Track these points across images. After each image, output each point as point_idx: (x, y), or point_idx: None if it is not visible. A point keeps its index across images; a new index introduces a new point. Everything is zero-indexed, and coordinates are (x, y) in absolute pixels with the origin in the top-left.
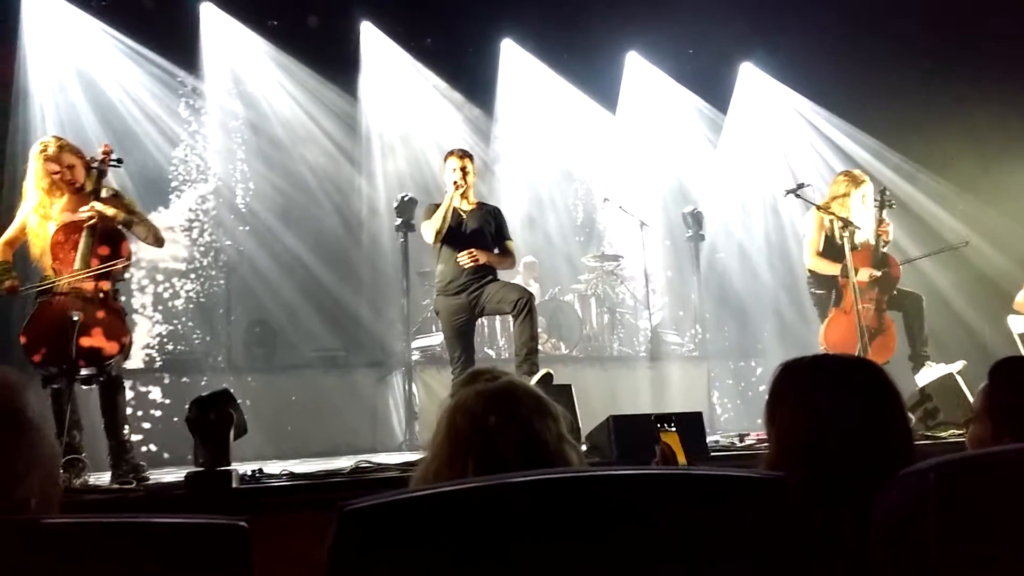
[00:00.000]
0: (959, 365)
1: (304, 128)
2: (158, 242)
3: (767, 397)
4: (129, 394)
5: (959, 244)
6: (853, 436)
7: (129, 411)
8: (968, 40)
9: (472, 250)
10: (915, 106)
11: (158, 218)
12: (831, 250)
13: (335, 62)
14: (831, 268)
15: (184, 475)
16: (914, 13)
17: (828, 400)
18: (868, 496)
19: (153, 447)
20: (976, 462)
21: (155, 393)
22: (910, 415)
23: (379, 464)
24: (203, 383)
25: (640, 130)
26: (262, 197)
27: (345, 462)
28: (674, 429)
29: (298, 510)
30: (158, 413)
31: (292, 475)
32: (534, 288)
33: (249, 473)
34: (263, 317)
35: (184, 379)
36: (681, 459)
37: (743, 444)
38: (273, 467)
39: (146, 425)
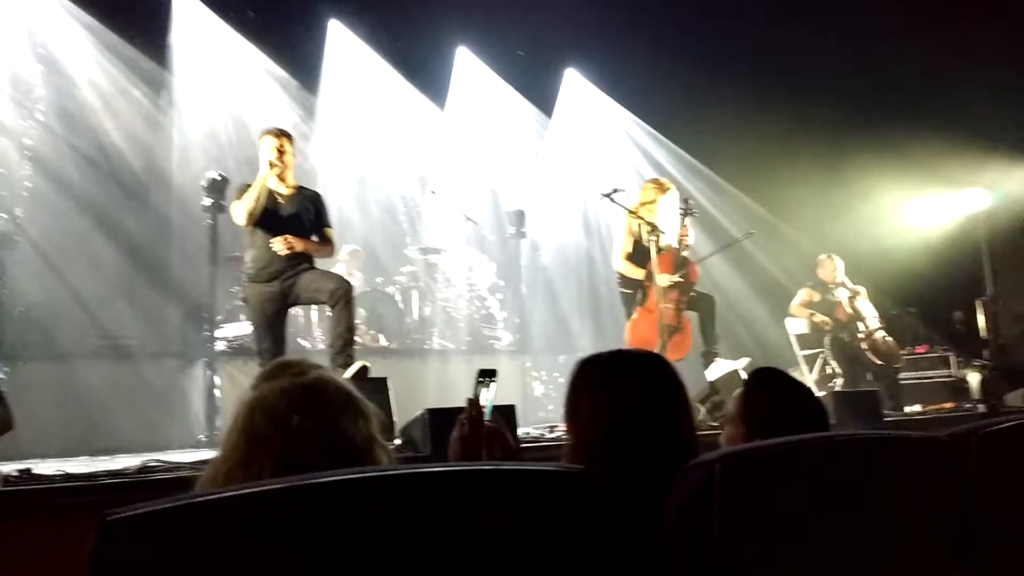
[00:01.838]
0: (744, 362)
1: (109, 97)
2: None
3: (566, 392)
4: None
5: (745, 236)
6: (646, 429)
7: None
8: (762, 55)
9: (287, 236)
10: (717, 119)
11: None
12: (638, 253)
13: (146, 30)
14: (636, 272)
15: None
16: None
17: (621, 394)
18: (662, 487)
19: None
20: (760, 453)
21: None
22: (700, 407)
23: (171, 463)
24: None
25: (468, 126)
26: (51, 168)
27: (136, 460)
28: (493, 381)
29: (72, 515)
30: None
31: (68, 476)
32: (357, 278)
33: (15, 474)
34: (43, 299)
35: None
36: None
37: (552, 436)
38: (49, 467)
39: None
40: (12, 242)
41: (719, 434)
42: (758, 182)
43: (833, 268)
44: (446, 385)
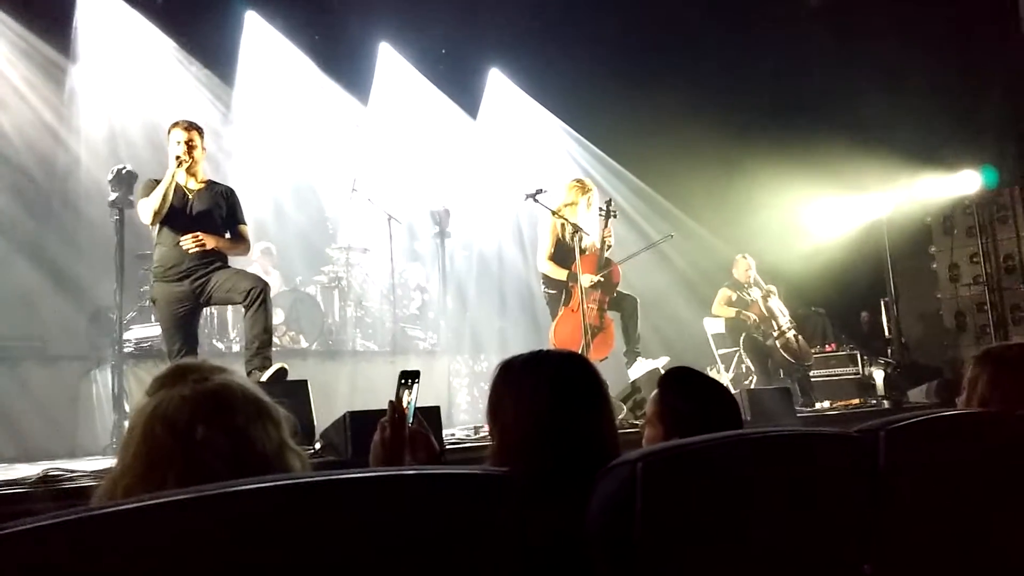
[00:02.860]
0: (663, 360)
1: (6, 87)
2: None
3: (489, 393)
4: None
5: (665, 239)
6: (567, 429)
7: None
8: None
9: (198, 233)
10: (634, 121)
11: None
12: (562, 253)
13: (47, 13)
14: (559, 273)
15: None
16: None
17: (542, 394)
18: (583, 485)
19: None
20: (681, 452)
21: None
22: (622, 405)
23: (75, 471)
24: None
25: (391, 123)
26: None
27: (36, 469)
28: (416, 383)
29: None
30: None
31: None
32: (272, 277)
33: None
34: None
35: None
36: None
37: (477, 436)
38: None
39: None
40: None
41: (641, 433)
42: (674, 184)
43: (747, 267)
44: (368, 387)
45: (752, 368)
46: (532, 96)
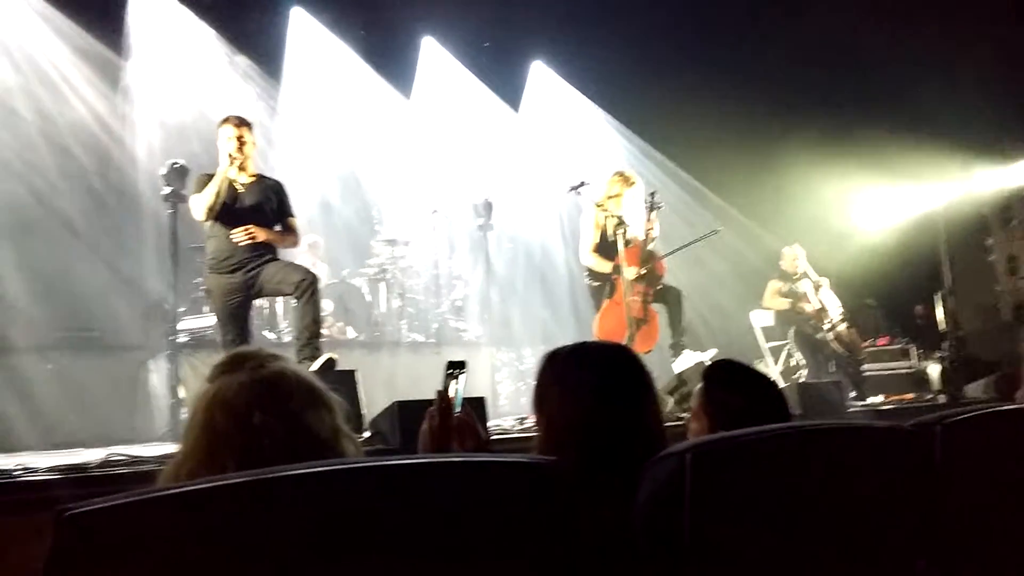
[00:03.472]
0: (711, 353)
1: (62, 82)
2: None
3: (534, 385)
4: None
5: (710, 233)
6: (612, 420)
7: None
8: (731, 49)
9: (249, 226)
10: (689, 119)
11: None
12: (605, 246)
13: (102, 13)
14: (603, 265)
15: None
16: (693, 32)
17: (589, 385)
18: (631, 476)
19: None
20: (731, 443)
21: None
22: (668, 398)
23: (135, 456)
24: None
25: (434, 117)
26: (7, 160)
27: (97, 454)
28: (463, 373)
29: (27, 512)
30: None
31: (27, 469)
32: (319, 269)
33: None
34: (2, 292)
35: None
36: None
37: (522, 427)
38: (9, 461)
39: None
40: None
41: (688, 424)
42: (720, 175)
43: (795, 258)
44: (414, 377)
45: (802, 362)
46: (575, 86)
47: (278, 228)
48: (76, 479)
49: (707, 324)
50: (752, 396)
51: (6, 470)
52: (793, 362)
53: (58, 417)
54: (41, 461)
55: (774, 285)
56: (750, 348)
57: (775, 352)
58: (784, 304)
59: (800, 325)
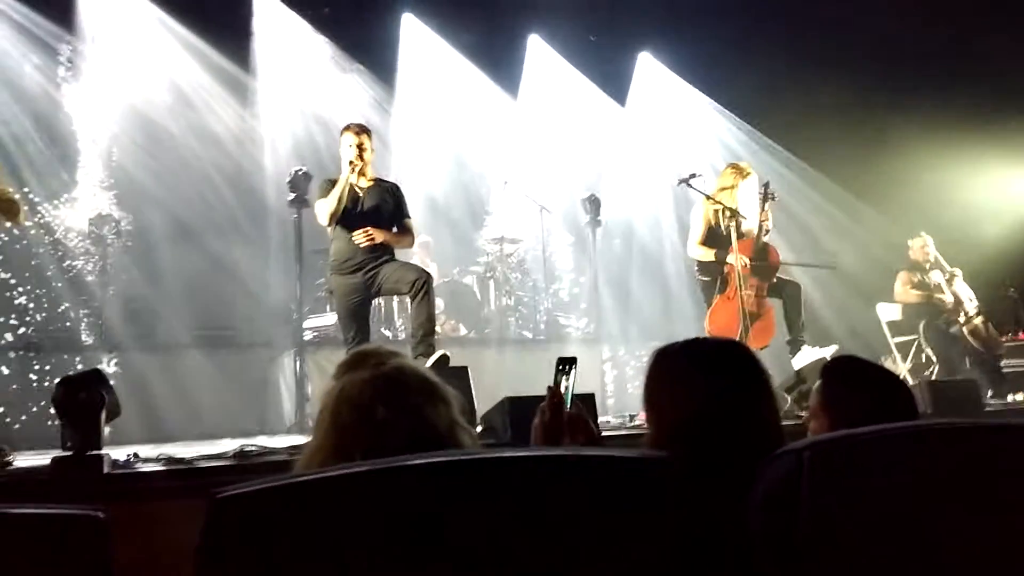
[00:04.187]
0: (832, 349)
1: (193, 96)
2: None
3: (645, 382)
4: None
5: (828, 266)
6: (726, 416)
7: None
8: (849, 36)
9: (368, 229)
10: (800, 103)
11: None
12: (714, 239)
13: (228, 28)
14: (708, 255)
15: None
16: (801, 13)
17: (701, 381)
18: (744, 475)
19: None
20: (854, 441)
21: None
22: (786, 395)
23: (266, 448)
24: (77, 363)
25: (541, 115)
26: (145, 166)
27: (229, 445)
28: (574, 369)
29: (176, 497)
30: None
31: (170, 459)
32: (430, 269)
33: (123, 458)
34: (142, 293)
35: (55, 358)
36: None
37: (632, 424)
38: (151, 451)
39: None
40: (115, 244)
41: (807, 423)
42: (839, 163)
43: (923, 245)
44: (523, 373)
45: (933, 358)
46: (682, 76)
47: (395, 229)
48: (216, 468)
49: (827, 319)
50: (876, 394)
51: (149, 459)
52: (923, 358)
53: (194, 410)
54: (183, 451)
55: (904, 276)
56: (876, 344)
57: (903, 348)
58: (917, 297)
59: (931, 319)
